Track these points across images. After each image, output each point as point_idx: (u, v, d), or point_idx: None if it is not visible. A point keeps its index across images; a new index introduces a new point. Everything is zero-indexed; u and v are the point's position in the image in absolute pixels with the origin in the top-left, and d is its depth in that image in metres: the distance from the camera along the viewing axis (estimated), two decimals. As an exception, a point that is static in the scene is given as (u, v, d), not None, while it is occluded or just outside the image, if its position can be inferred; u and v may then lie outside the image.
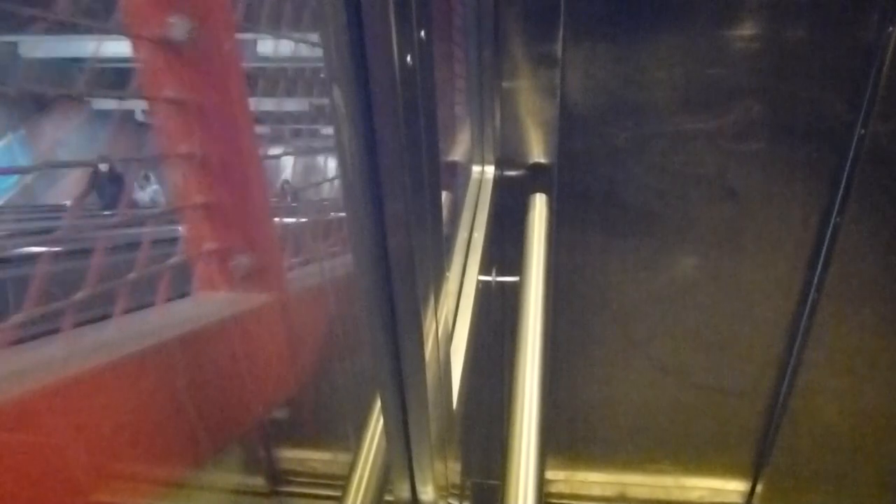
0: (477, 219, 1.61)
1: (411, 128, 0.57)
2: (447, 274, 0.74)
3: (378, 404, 1.09)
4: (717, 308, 2.05)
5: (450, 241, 1.46)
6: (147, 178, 8.77)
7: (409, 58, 0.54)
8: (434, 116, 0.65)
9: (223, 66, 1.08)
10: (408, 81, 0.54)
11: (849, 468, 2.18)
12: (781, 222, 1.89)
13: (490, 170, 1.79)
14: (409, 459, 0.81)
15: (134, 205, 8.14)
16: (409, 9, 0.53)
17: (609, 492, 2.44)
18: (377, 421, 1.09)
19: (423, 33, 0.58)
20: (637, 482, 2.41)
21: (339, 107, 0.53)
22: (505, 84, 1.72)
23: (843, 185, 1.77)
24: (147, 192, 8.89)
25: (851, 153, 1.73)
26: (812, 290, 1.93)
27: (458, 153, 1.74)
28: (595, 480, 2.44)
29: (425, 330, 0.69)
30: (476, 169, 1.78)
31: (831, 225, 1.82)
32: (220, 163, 1.13)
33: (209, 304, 1.22)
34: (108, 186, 7.78)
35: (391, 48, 0.51)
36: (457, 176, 1.73)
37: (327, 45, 0.50)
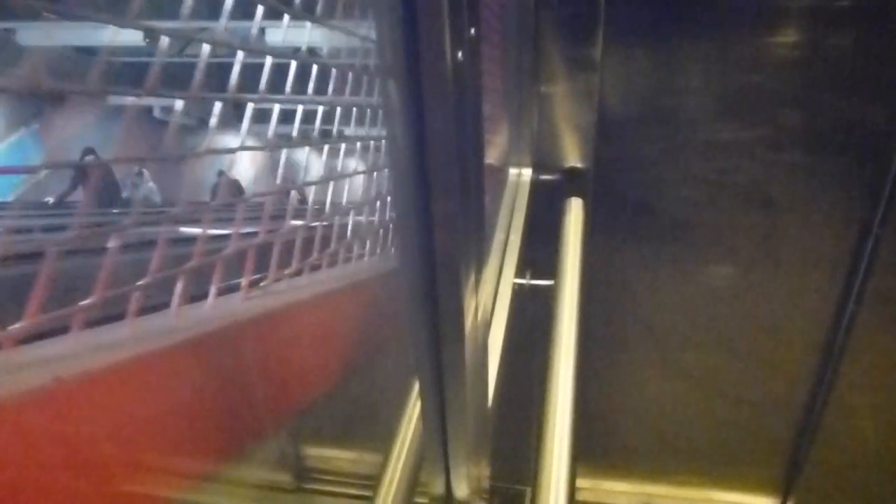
0: (513, 221, 1.62)
1: (460, 123, 0.57)
2: (485, 274, 0.75)
3: (410, 404, 1.10)
4: (752, 319, 2.03)
5: (487, 242, 1.46)
6: (140, 175, 8.61)
7: (460, 54, 0.55)
8: (480, 114, 0.66)
9: None
10: (458, 77, 0.55)
11: (883, 486, 2.14)
12: (819, 233, 1.87)
13: (527, 172, 1.79)
14: (446, 455, 0.81)
15: (126, 203, 8.04)
16: (461, 6, 0.54)
17: (635, 502, 2.42)
18: (410, 420, 1.09)
19: (473, 30, 0.58)
20: (664, 493, 2.39)
21: (392, 100, 0.53)
22: (543, 87, 1.72)
23: (885, 197, 1.74)
24: (141, 191, 8.83)
25: (894, 165, 1.71)
26: (850, 303, 1.90)
27: (495, 155, 1.74)
28: (621, 490, 2.42)
29: (465, 326, 0.69)
30: (513, 171, 1.79)
31: (872, 237, 1.79)
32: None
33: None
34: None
35: (444, 43, 0.52)
36: (494, 177, 1.73)
37: (382, 38, 0.51)
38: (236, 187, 8.00)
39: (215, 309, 1.14)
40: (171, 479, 1.00)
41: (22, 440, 0.71)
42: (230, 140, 1.12)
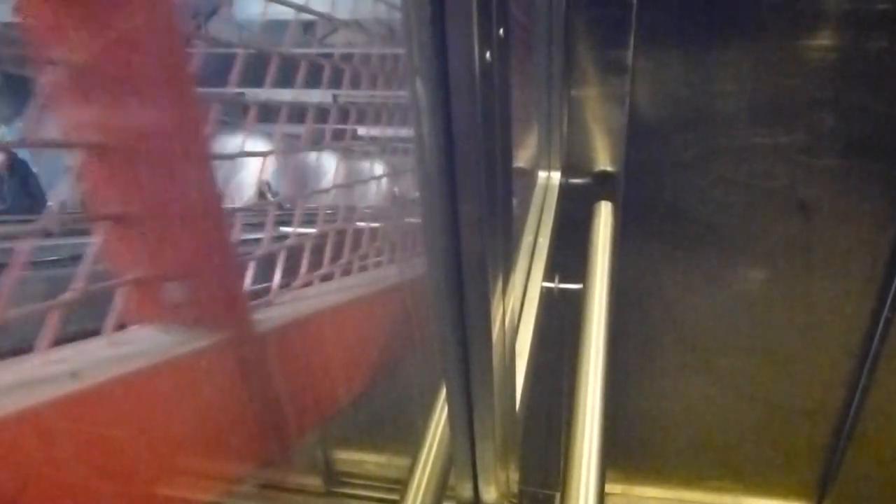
0: (542, 224, 1.61)
1: (487, 124, 0.57)
2: (513, 277, 0.74)
3: (438, 408, 1.10)
4: (785, 324, 2.00)
5: (515, 245, 1.46)
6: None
7: (488, 54, 0.54)
8: (508, 115, 0.65)
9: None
10: (486, 77, 0.55)
11: (921, 495, 2.11)
12: (853, 238, 1.84)
13: (556, 176, 1.79)
14: (474, 459, 0.81)
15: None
16: (489, 6, 0.54)
17: (666, 508, 2.41)
18: (437, 424, 1.09)
19: (501, 31, 0.58)
20: (696, 499, 2.36)
21: (419, 100, 0.53)
22: (573, 90, 1.71)
23: (921, 201, 1.71)
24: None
25: (930, 168, 1.68)
26: (885, 309, 1.87)
27: (525, 157, 1.74)
28: (653, 496, 2.40)
29: (493, 329, 0.69)
30: (542, 174, 1.78)
31: (907, 242, 1.76)
32: (145, 159, 0.82)
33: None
34: (7, 181, 6.45)
35: (472, 43, 0.52)
36: (523, 180, 1.73)
37: (409, 37, 0.51)
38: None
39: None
40: (201, 483, 1.01)
41: (56, 445, 0.72)
42: (236, 141, 1.04)
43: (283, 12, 1.03)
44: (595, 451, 1.08)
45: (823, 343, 2.00)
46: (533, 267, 1.46)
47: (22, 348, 0.77)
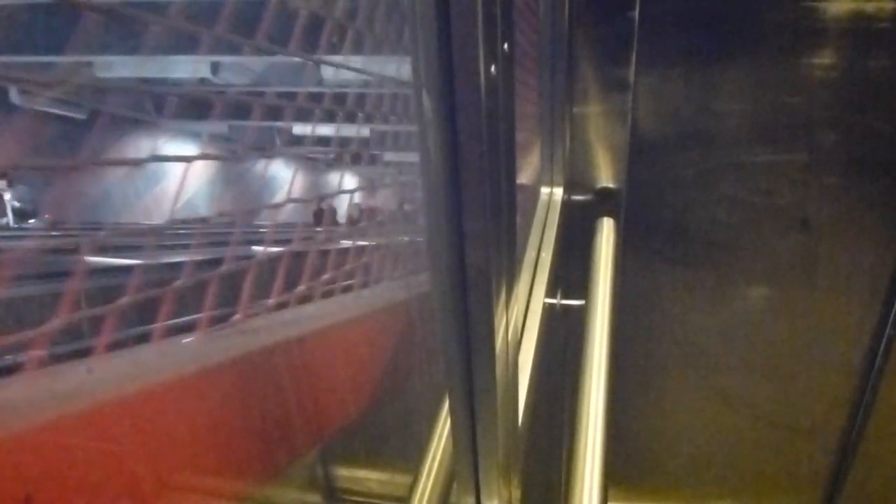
0: (544, 240, 1.61)
1: (492, 138, 0.57)
2: (516, 293, 0.75)
3: (440, 423, 1.09)
4: (787, 341, 2.00)
5: (518, 260, 1.45)
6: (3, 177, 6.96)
7: (493, 68, 0.55)
8: (512, 128, 0.66)
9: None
10: (491, 91, 0.55)
11: (924, 515, 2.09)
12: (856, 255, 1.84)
13: (558, 192, 1.79)
14: (476, 475, 0.80)
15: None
16: (494, 21, 0.54)
17: (668, 527, 2.38)
18: (440, 439, 1.09)
19: (506, 46, 0.58)
20: (698, 518, 2.35)
21: (425, 113, 0.53)
22: (576, 107, 1.72)
23: (924, 219, 1.71)
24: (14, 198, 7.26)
25: (933, 186, 1.68)
26: (888, 327, 1.87)
27: (527, 173, 1.74)
28: (655, 514, 2.38)
29: (496, 343, 0.69)
30: (545, 190, 1.78)
31: (911, 260, 1.76)
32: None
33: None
34: None
35: (477, 56, 0.52)
36: (526, 195, 1.73)
37: (416, 52, 0.51)
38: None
39: (246, 331, 1.15)
40: (202, 500, 1.00)
41: (56, 461, 0.71)
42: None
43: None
44: (597, 467, 1.08)
45: (826, 360, 1.99)
46: (535, 283, 1.46)
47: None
